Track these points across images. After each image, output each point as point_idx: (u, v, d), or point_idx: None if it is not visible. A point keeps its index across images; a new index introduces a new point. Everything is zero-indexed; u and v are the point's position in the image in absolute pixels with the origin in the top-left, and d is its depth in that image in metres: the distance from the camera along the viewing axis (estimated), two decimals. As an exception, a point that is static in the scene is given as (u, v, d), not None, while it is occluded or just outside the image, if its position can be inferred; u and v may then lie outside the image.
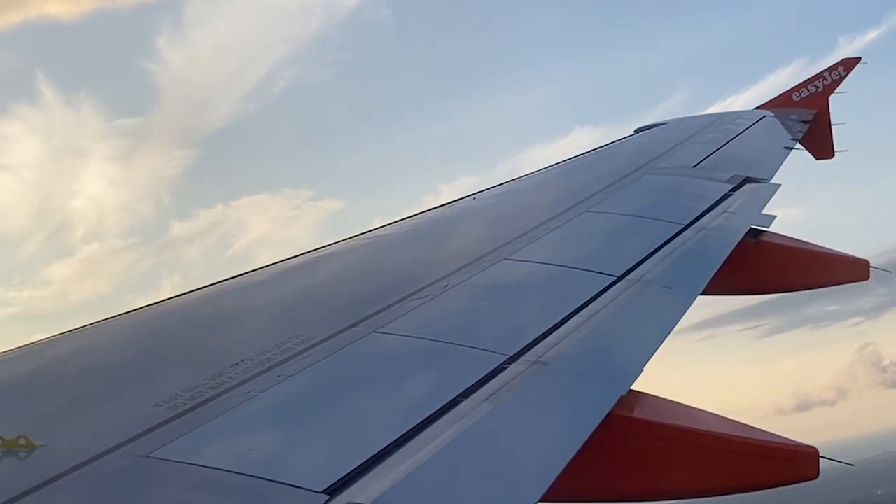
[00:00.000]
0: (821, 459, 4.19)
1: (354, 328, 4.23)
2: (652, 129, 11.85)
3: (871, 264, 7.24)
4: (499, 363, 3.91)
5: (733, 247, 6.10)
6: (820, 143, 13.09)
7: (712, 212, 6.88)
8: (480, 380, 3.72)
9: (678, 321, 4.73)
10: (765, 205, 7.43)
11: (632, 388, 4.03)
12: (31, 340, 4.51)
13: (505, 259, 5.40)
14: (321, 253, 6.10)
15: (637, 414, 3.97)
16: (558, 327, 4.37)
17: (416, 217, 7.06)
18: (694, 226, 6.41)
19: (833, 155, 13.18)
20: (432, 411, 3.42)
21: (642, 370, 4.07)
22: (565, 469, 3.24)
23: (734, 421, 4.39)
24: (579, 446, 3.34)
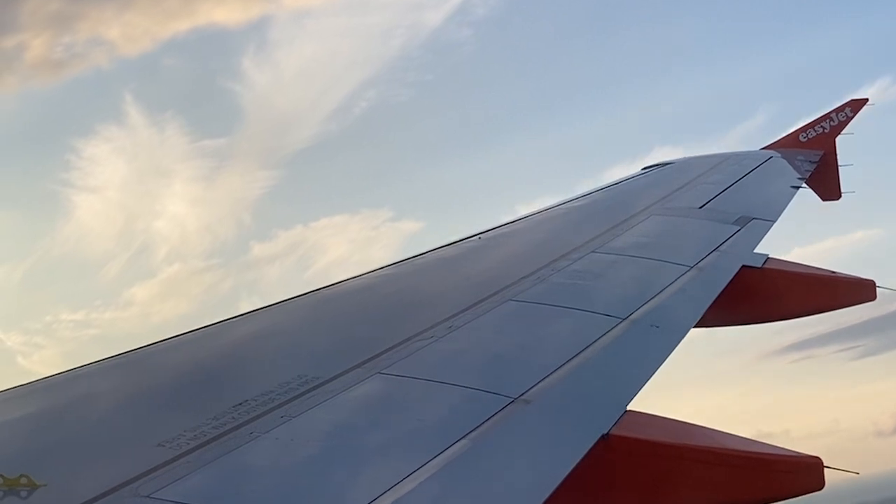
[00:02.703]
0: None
1: (359, 369, 4.24)
2: (659, 169, 11.88)
3: (878, 284, 7.24)
4: (502, 405, 3.91)
5: (724, 286, 6.13)
6: (826, 184, 13.10)
7: (713, 252, 6.91)
8: (480, 422, 3.73)
9: (664, 361, 4.75)
10: (758, 243, 7.47)
11: (629, 408, 4.09)
12: (37, 377, 4.52)
13: (510, 300, 5.41)
14: (328, 292, 6.12)
15: (637, 433, 3.97)
16: (558, 368, 4.38)
17: (422, 257, 7.08)
18: (695, 266, 6.44)
19: (840, 196, 13.18)
20: (434, 454, 3.42)
21: (625, 409, 4.08)
22: (563, 491, 3.29)
23: (736, 435, 4.39)
24: (556, 484, 3.35)
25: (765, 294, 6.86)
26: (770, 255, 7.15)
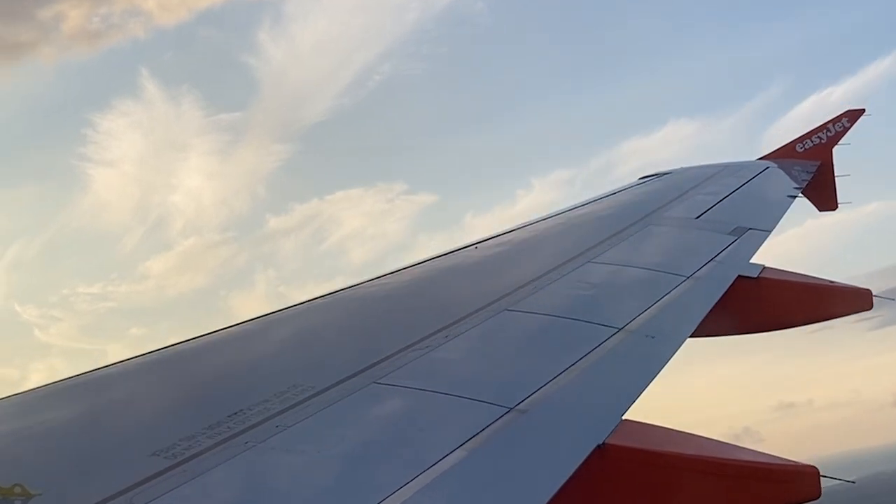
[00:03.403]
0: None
1: (354, 378, 4.24)
2: (656, 178, 11.89)
3: (874, 293, 7.23)
4: (498, 415, 3.91)
5: (720, 296, 6.14)
6: (823, 194, 13.11)
7: (709, 263, 6.92)
8: (475, 432, 3.73)
9: (659, 371, 4.76)
10: (755, 253, 7.48)
11: (625, 417, 4.08)
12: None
13: (507, 310, 5.41)
14: (324, 301, 6.12)
15: (633, 443, 3.97)
16: (555, 378, 4.38)
17: (418, 266, 7.07)
18: (691, 277, 6.45)
19: (836, 207, 13.20)
20: (430, 464, 3.42)
21: (620, 419, 4.08)
22: (559, 502, 3.29)
23: (732, 444, 4.38)
24: (552, 494, 3.35)
25: (761, 304, 6.86)
26: (766, 265, 7.16)
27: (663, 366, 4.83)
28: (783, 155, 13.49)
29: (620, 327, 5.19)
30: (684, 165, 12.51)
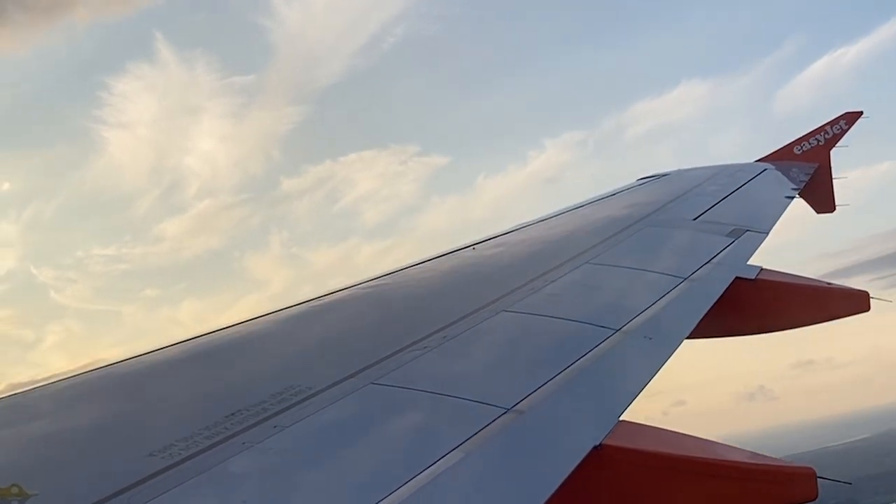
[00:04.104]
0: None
1: (352, 379, 4.24)
2: (655, 180, 11.92)
3: (871, 295, 7.25)
4: (496, 415, 3.92)
5: (717, 298, 6.15)
6: (821, 196, 13.15)
7: (706, 264, 6.94)
8: (473, 432, 3.73)
9: (656, 372, 4.77)
10: (752, 254, 7.49)
11: (622, 418, 4.08)
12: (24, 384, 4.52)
13: (504, 311, 5.42)
14: (321, 302, 6.12)
15: (630, 444, 3.97)
16: (552, 379, 4.38)
17: (416, 267, 7.08)
18: (689, 278, 6.46)
19: (834, 209, 13.23)
20: (427, 465, 3.42)
21: (617, 420, 4.08)
22: (555, 502, 3.29)
23: (729, 446, 4.38)
24: (549, 494, 3.35)
25: (758, 305, 6.88)
26: (763, 267, 7.17)
27: (660, 367, 4.84)
28: (781, 157, 13.53)
29: (618, 328, 5.20)
30: (682, 166, 12.55)
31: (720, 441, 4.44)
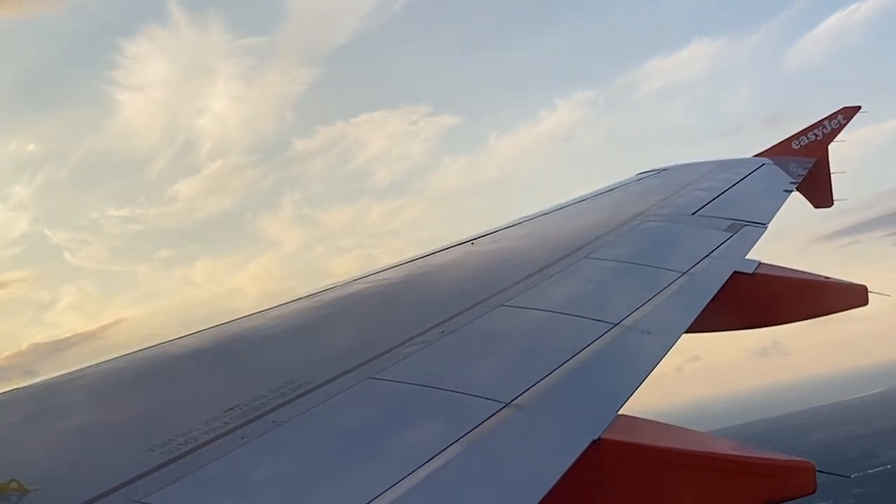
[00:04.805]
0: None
1: (350, 374, 4.24)
2: (652, 175, 11.94)
3: (869, 289, 7.27)
4: (494, 410, 3.92)
5: (715, 292, 6.16)
6: (819, 191, 13.18)
7: (704, 259, 6.95)
8: (472, 427, 3.74)
9: (655, 366, 4.78)
10: (750, 249, 7.51)
11: (621, 412, 4.08)
12: (14, 385, 4.52)
13: (502, 306, 5.42)
14: (319, 297, 6.12)
15: (629, 437, 3.98)
16: (550, 373, 4.39)
17: (414, 262, 7.09)
18: (687, 272, 6.48)
19: (832, 204, 13.26)
20: (425, 459, 3.43)
21: (616, 414, 4.09)
22: (554, 497, 3.29)
23: (728, 440, 4.40)
24: (548, 489, 3.35)
25: (756, 300, 6.90)
26: (761, 261, 7.19)
27: (659, 361, 4.85)
28: (779, 152, 13.56)
29: (616, 323, 5.21)
30: (681, 161, 12.56)
31: (717, 436, 4.46)
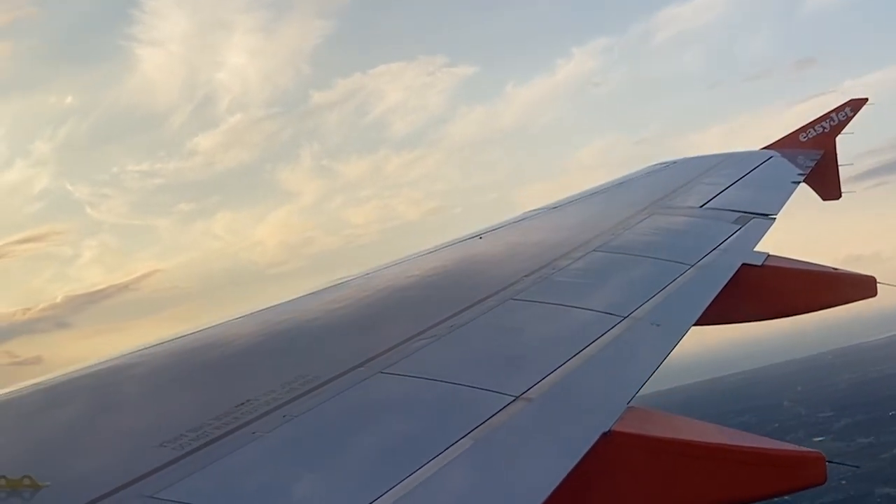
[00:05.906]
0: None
1: (360, 368, 4.24)
2: (661, 168, 11.93)
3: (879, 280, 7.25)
4: (504, 403, 3.92)
5: (724, 284, 6.15)
6: (827, 183, 13.15)
7: (713, 251, 6.95)
8: (482, 420, 3.73)
9: (665, 358, 4.78)
10: (758, 241, 7.50)
11: (631, 405, 4.08)
12: (29, 380, 4.53)
13: (511, 299, 5.42)
14: (329, 292, 6.13)
15: (639, 430, 3.97)
16: (560, 366, 4.39)
17: (422, 256, 7.09)
18: (696, 265, 6.47)
19: (840, 196, 13.23)
20: (436, 453, 3.42)
21: (626, 407, 4.08)
22: (565, 489, 3.29)
23: (738, 431, 4.38)
24: (558, 481, 3.35)
25: (765, 292, 6.89)
26: (770, 253, 7.18)
27: (668, 353, 4.84)
28: (786, 144, 13.53)
29: (626, 315, 5.21)
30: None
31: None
